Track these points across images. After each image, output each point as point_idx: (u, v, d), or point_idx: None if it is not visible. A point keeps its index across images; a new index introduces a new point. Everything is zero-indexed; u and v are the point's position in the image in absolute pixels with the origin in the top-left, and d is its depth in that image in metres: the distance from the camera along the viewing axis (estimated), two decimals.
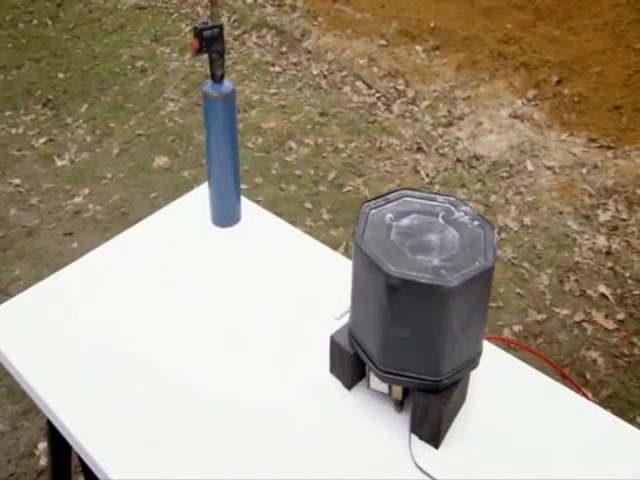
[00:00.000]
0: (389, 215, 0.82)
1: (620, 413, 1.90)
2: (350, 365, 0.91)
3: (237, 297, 1.11)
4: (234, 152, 1.13)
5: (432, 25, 3.57)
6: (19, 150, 2.94)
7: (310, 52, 3.57)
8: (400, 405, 0.89)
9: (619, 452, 0.88)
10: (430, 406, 0.83)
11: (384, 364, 0.82)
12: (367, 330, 0.83)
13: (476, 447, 0.87)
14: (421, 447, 0.87)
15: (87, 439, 0.89)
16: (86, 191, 2.70)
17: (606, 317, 2.14)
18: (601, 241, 2.41)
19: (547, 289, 2.23)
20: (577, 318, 2.14)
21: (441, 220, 0.82)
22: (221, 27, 0.99)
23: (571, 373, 1.97)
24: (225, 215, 1.22)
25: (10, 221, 2.56)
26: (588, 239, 2.43)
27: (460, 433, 0.88)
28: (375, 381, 0.87)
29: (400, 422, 0.89)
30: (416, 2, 3.73)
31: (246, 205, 1.28)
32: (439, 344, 0.78)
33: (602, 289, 2.23)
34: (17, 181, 2.76)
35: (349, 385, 0.94)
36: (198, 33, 0.96)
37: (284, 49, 3.63)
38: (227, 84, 1.06)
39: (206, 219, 1.25)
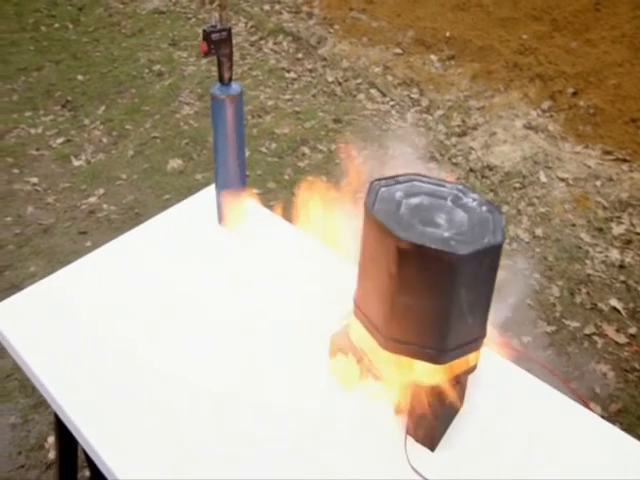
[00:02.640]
0: (399, 193, 0.83)
1: (629, 429, 1.87)
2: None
3: (240, 297, 1.11)
4: (241, 153, 1.15)
5: (448, 34, 3.58)
6: (38, 150, 3.00)
7: (325, 59, 3.59)
8: (398, 407, 0.89)
9: (621, 464, 0.87)
10: (426, 408, 0.83)
11: (389, 333, 0.82)
12: (374, 300, 0.83)
13: (472, 452, 0.87)
14: (417, 449, 0.87)
15: (93, 435, 0.90)
16: (101, 191, 2.74)
17: (617, 331, 2.12)
18: (614, 254, 2.39)
19: (557, 301, 2.21)
20: (587, 331, 2.11)
21: (450, 203, 0.83)
22: (229, 30, 1.00)
23: (580, 386, 1.95)
24: (232, 216, 1.23)
25: (27, 219, 2.60)
26: (601, 252, 2.40)
27: (457, 437, 0.88)
28: (373, 382, 0.87)
29: (397, 424, 0.89)
30: (432, 11, 3.74)
31: (252, 207, 1.29)
32: (445, 315, 0.78)
33: (614, 303, 2.20)
34: (35, 180, 2.81)
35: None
36: (206, 36, 0.98)
37: (300, 55, 3.66)
38: (235, 87, 1.07)
39: (213, 220, 1.26)
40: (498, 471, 0.85)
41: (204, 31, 0.98)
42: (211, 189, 1.31)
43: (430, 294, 0.77)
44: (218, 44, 1.00)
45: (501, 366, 0.99)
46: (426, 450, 0.87)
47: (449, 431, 0.89)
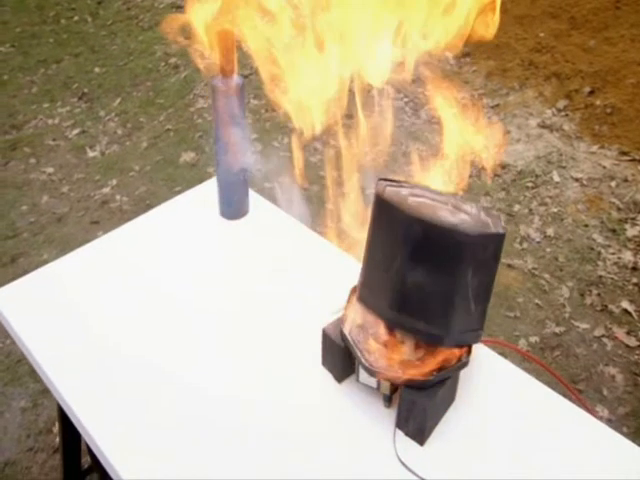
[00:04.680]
0: (404, 191, 0.87)
1: (636, 432, 1.85)
2: (340, 358, 0.91)
3: (237, 289, 1.12)
4: (242, 145, 1.15)
5: None
6: (54, 140, 3.04)
7: None
8: (389, 400, 0.89)
9: (617, 463, 0.86)
10: (415, 402, 0.83)
11: (397, 314, 0.84)
12: (381, 283, 0.85)
13: (462, 447, 0.87)
14: (407, 443, 0.86)
15: (93, 423, 0.90)
16: (114, 182, 2.78)
17: (628, 334, 2.08)
18: (627, 256, 2.35)
19: (567, 302, 2.18)
20: (597, 333, 2.09)
21: (451, 207, 0.87)
22: None
23: (588, 388, 1.93)
24: (232, 208, 1.24)
25: (42, 208, 2.65)
26: (613, 253, 2.37)
27: (447, 432, 0.88)
28: (364, 375, 0.87)
29: (388, 417, 0.89)
30: None
31: (254, 199, 1.30)
32: (452, 295, 0.81)
33: (625, 305, 2.17)
34: (50, 170, 2.86)
35: (339, 378, 0.94)
36: None
37: None
38: (236, 79, 1.08)
39: (214, 211, 1.27)
40: (488, 467, 0.85)
41: None
42: (213, 180, 1.32)
43: (439, 274, 0.81)
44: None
45: (494, 363, 0.99)
46: (415, 444, 0.86)
47: (439, 426, 0.89)
